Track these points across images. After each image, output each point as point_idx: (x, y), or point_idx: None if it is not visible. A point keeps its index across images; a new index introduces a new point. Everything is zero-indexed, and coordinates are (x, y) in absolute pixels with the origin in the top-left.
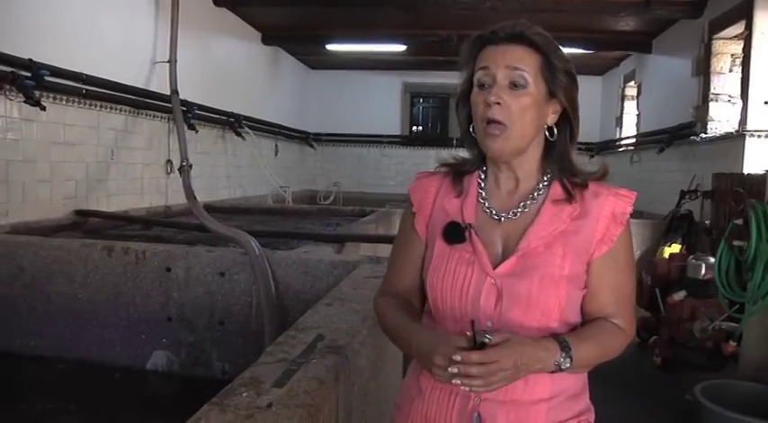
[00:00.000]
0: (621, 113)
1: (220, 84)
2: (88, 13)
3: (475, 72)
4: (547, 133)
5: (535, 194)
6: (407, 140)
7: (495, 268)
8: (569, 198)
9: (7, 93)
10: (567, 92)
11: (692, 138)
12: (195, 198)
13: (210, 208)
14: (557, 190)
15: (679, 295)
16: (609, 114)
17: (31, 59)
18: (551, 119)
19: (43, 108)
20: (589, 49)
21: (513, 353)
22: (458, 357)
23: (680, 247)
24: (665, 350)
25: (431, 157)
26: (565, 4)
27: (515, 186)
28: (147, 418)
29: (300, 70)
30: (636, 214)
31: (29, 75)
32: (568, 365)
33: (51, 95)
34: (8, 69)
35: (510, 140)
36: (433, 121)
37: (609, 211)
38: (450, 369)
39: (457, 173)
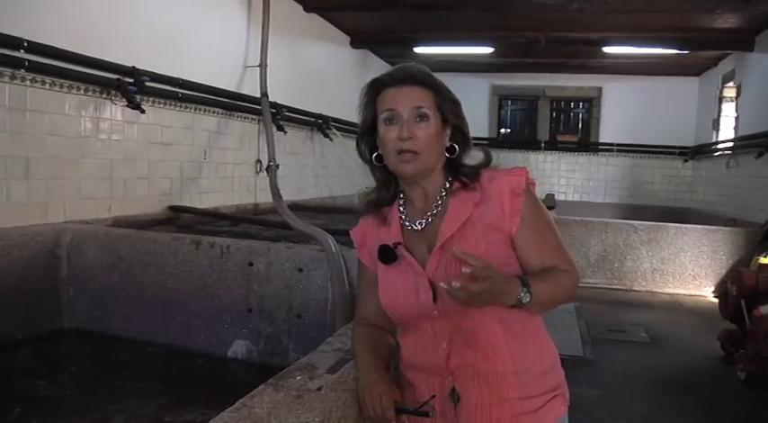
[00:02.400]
0: (719, 116)
1: (309, 86)
2: (185, 22)
3: (380, 112)
4: (447, 154)
5: (438, 198)
6: (496, 143)
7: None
8: (467, 186)
9: (113, 98)
10: (455, 114)
11: None
12: (280, 196)
13: (297, 206)
14: (457, 187)
15: (766, 308)
16: (705, 117)
17: (134, 67)
18: (448, 140)
19: (143, 111)
20: (684, 50)
21: (495, 276)
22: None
23: None
24: (750, 365)
25: (519, 160)
26: (657, 3)
27: (426, 199)
28: (225, 400)
29: None
30: (729, 222)
31: (131, 81)
32: (528, 300)
33: (150, 99)
34: (114, 76)
35: (422, 163)
36: (521, 123)
37: (507, 188)
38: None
39: (377, 208)
